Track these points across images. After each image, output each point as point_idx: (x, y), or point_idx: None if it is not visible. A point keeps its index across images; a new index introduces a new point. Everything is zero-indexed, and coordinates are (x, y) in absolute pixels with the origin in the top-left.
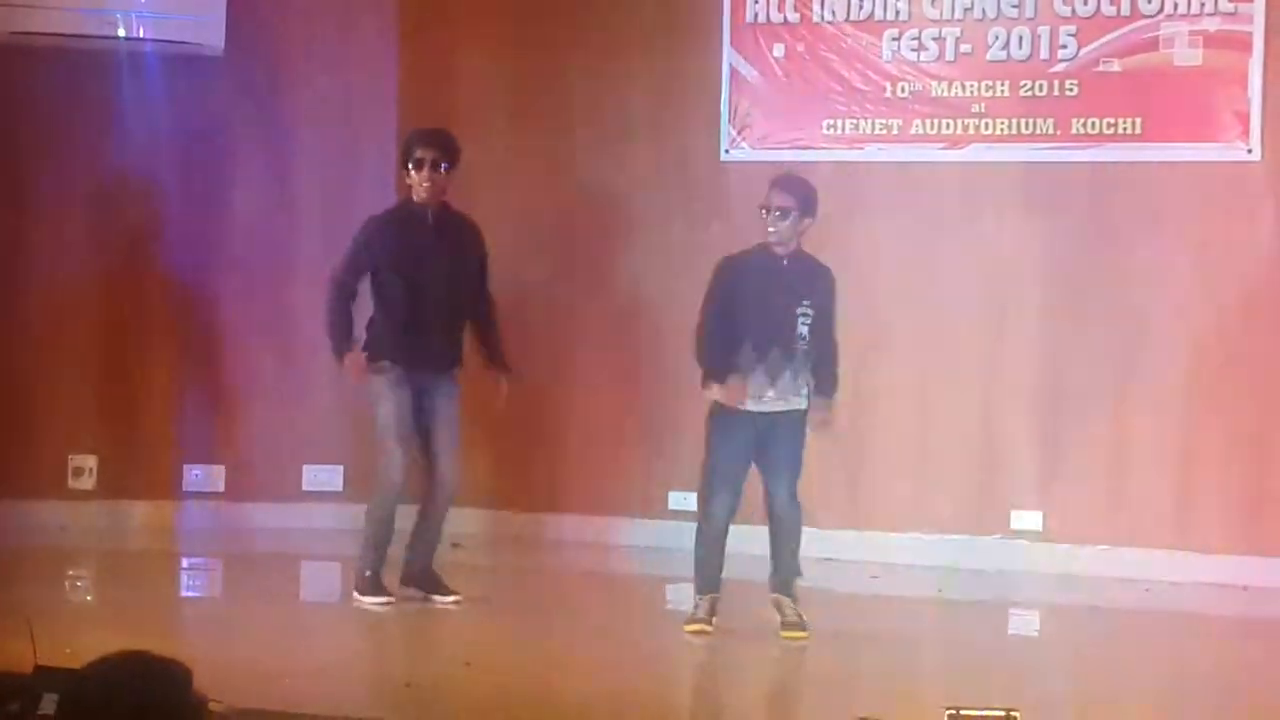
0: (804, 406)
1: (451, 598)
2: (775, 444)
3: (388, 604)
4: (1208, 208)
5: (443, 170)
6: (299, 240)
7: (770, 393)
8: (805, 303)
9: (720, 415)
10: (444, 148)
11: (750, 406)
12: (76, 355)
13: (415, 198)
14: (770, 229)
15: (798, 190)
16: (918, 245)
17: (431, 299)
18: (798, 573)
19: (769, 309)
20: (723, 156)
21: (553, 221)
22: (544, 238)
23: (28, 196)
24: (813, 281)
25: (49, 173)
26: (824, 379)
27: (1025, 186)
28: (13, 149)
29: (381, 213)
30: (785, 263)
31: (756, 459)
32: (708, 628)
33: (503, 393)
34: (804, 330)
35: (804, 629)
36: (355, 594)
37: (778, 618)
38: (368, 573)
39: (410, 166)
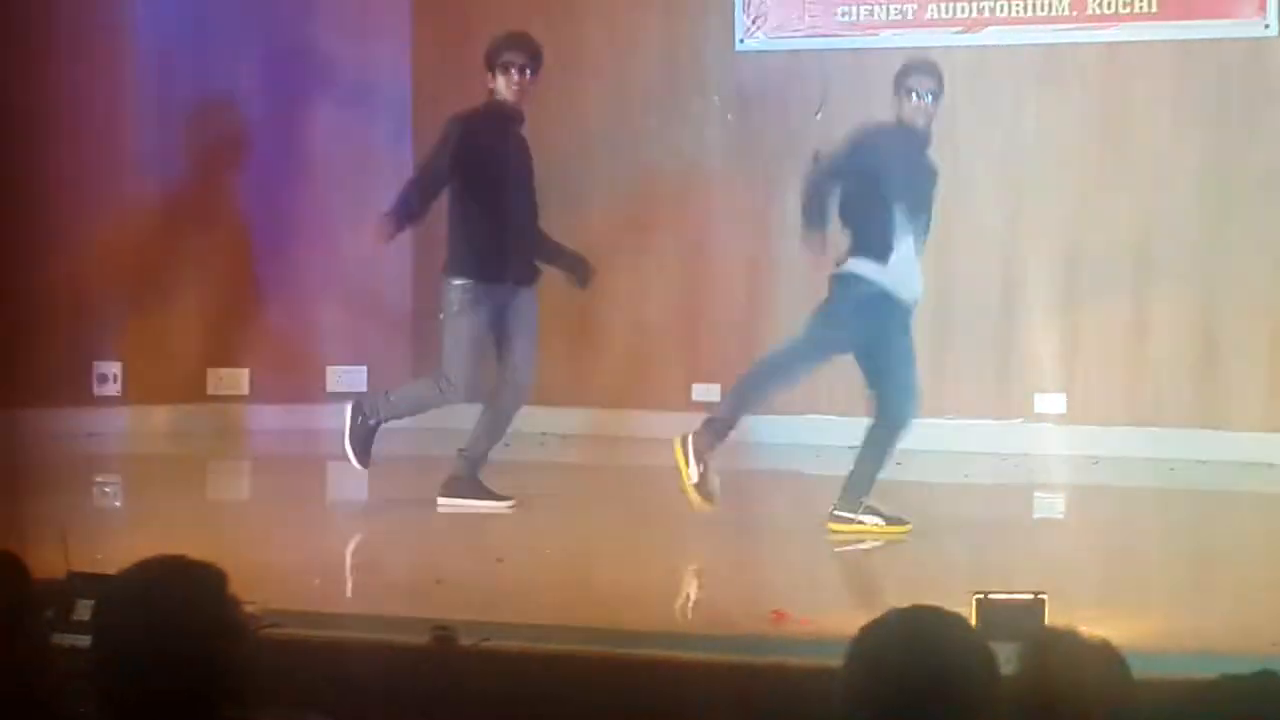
0: None
1: (507, 503)
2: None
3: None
4: (1225, 85)
5: (528, 76)
6: (317, 144)
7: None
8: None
9: (872, 292)
10: (532, 53)
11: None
12: (101, 262)
13: (502, 100)
14: (920, 115)
15: (937, 73)
16: (937, 128)
17: (517, 206)
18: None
19: (920, 188)
20: (737, 46)
21: (566, 115)
22: (557, 131)
23: (55, 105)
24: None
25: (77, 83)
26: None
27: (1041, 69)
28: (41, 58)
29: (465, 112)
30: (926, 142)
31: (878, 351)
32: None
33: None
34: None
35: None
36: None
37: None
38: (369, 420)
39: (497, 70)
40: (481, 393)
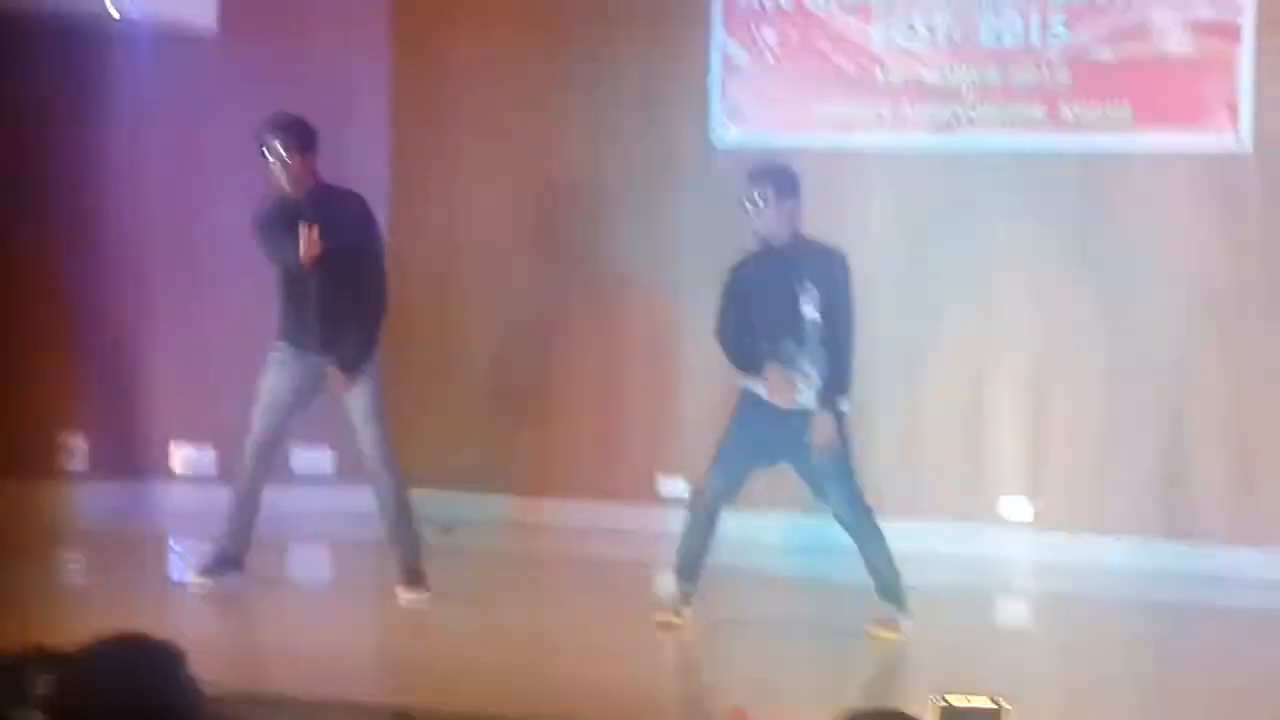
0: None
1: (408, 593)
2: (808, 446)
3: (203, 586)
4: (1197, 197)
5: (288, 154)
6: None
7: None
8: (808, 285)
9: (742, 399)
10: (287, 131)
11: (778, 402)
12: (68, 335)
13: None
14: (755, 221)
15: (771, 176)
16: (908, 231)
17: (311, 281)
18: (889, 578)
19: (771, 300)
20: (713, 141)
21: (542, 206)
22: (533, 222)
23: (18, 174)
24: (816, 264)
25: (39, 150)
26: (830, 379)
27: (1015, 173)
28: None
29: (266, 207)
30: (781, 251)
31: (795, 463)
32: (675, 619)
33: (333, 386)
34: (813, 315)
35: (892, 629)
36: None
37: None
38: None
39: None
40: (268, 454)
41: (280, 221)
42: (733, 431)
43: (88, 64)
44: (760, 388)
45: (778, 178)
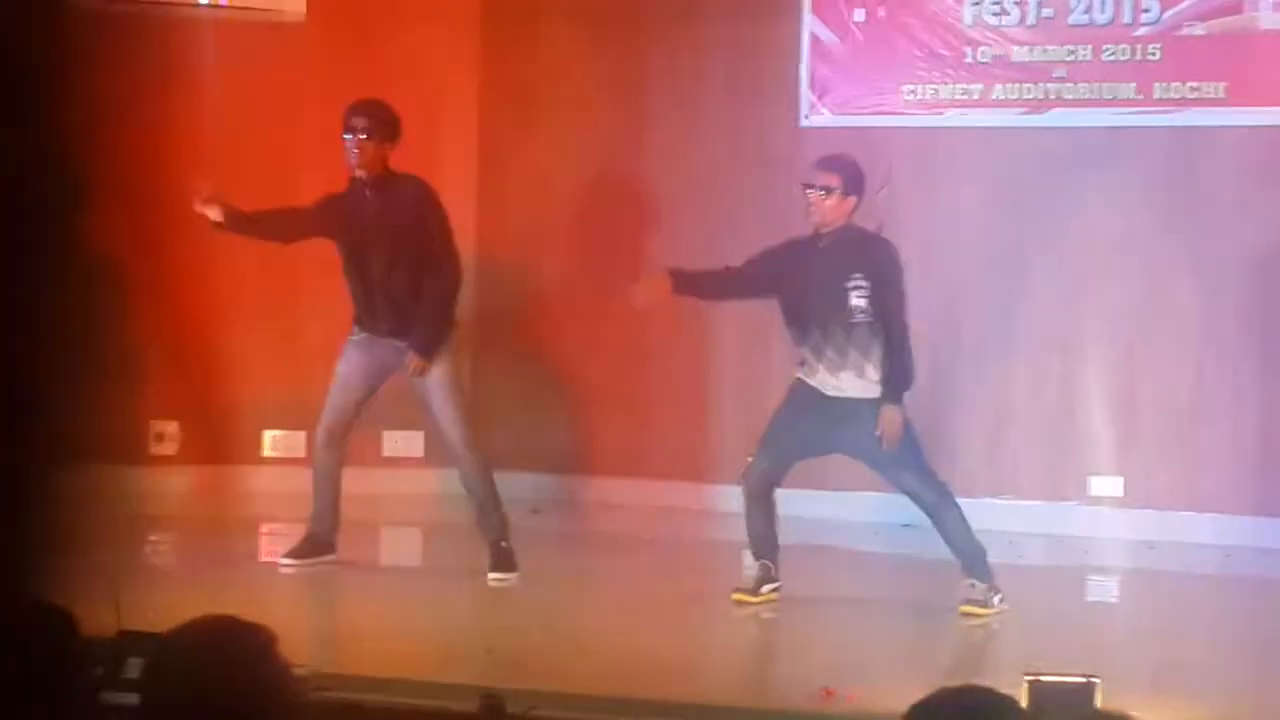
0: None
1: (497, 575)
2: (869, 436)
3: (293, 568)
4: None
5: (367, 138)
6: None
7: (845, 373)
8: (856, 275)
9: (792, 385)
10: (370, 116)
11: (824, 389)
12: (159, 321)
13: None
14: (814, 210)
15: (840, 169)
16: (998, 210)
17: (373, 268)
18: (972, 554)
19: (819, 288)
20: (802, 122)
21: (630, 186)
22: (621, 203)
23: (107, 163)
24: (864, 253)
25: (130, 139)
26: (891, 370)
27: (1107, 151)
28: (94, 116)
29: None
30: (825, 241)
31: (856, 453)
32: (749, 598)
33: (409, 369)
34: (860, 303)
35: (985, 606)
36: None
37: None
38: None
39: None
40: (340, 437)
41: (339, 201)
42: (780, 417)
43: (176, 51)
44: (808, 375)
45: (846, 171)
